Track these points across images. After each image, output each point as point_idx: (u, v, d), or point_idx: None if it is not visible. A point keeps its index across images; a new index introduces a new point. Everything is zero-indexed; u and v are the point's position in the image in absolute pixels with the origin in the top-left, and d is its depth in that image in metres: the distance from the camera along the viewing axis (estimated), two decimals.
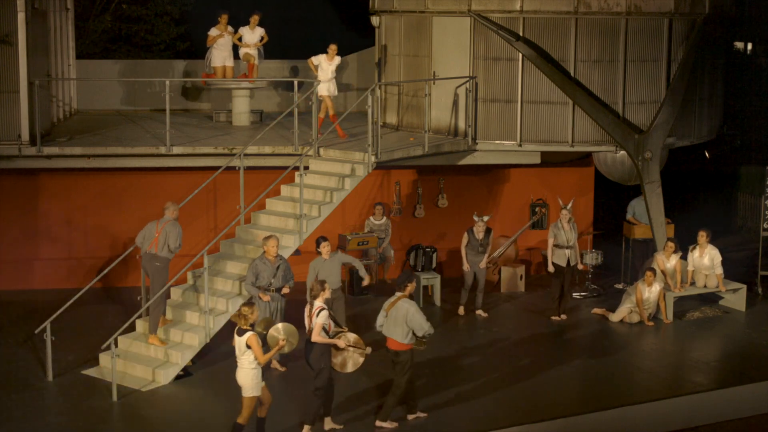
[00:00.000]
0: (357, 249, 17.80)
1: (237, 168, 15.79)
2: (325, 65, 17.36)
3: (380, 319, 12.67)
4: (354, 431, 12.66)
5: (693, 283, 17.30)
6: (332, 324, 12.50)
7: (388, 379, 13.20)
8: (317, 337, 12.27)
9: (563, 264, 16.85)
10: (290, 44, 21.84)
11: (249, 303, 12.01)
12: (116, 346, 13.77)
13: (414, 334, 12.47)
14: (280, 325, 12.10)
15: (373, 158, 15.59)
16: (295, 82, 17.56)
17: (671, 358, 15.23)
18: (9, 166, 16.54)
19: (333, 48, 17.37)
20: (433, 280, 17.79)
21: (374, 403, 13.24)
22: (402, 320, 12.41)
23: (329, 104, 17.42)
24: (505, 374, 14.29)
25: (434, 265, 18.36)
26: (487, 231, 16.94)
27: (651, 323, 16.55)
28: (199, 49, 26.58)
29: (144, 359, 14.17)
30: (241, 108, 19.16)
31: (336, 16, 27.43)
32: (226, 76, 19.03)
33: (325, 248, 14.65)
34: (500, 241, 18.91)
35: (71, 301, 14.09)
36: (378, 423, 12.67)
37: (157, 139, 17.06)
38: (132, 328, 14.50)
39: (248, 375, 11.80)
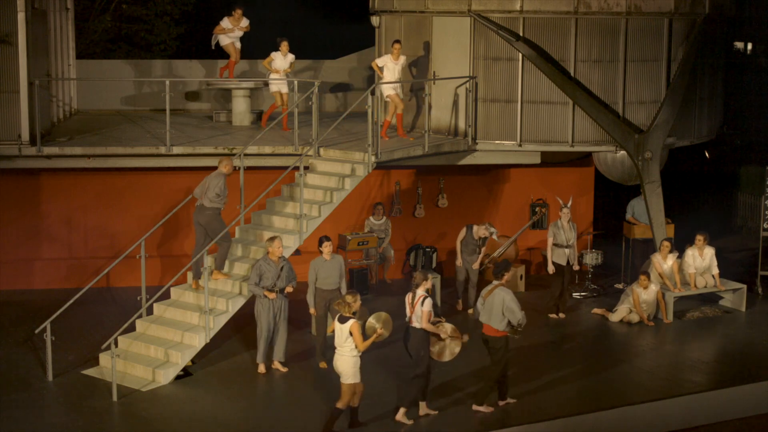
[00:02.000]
0: (357, 249, 17.81)
1: (237, 168, 15.80)
2: (391, 65, 16.84)
3: (478, 305, 13.19)
4: (450, 415, 13.05)
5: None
6: (433, 314, 12.88)
7: (483, 365, 13.73)
8: (427, 324, 12.70)
9: (563, 263, 16.89)
10: (290, 44, 21.80)
11: (352, 291, 12.39)
12: (116, 346, 13.77)
13: (509, 322, 12.94)
14: (376, 315, 12.56)
15: (373, 158, 15.58)
16: (295, 82, 17.55)
17: (671, 358, 15.23)
18: (9, 166, 16.53)
19: (397, 47, 16.82)
20: (433, 280, 17.78)
21: (469, 389, 13.68)
22: (498, 308, 12.90)
23: (398, 103, 16.85)
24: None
25: (434, 265, 18.36)
26: (485, 238, 17.02)
27: (651, 323, 16.55)
28: (199, 50, 26.64)
29: (144, 359, 14.17)
30: (241, 108, 19.16)
31: (336, 16, 27.45)
32: (236, 53, 18.85)
33: (326, 248, 14.58)
34: (500, 241, 18.91)
35: (71, 301, 14.08)
36: (474, 407, 13.16)
37: (157, 139, 17.06)
38: (132, 328, 14.50)
39: (349, 362, 12.22)
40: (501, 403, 13.31)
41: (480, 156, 17.55)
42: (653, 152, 17.15)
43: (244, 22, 18.86)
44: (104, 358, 14.29)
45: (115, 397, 13.35)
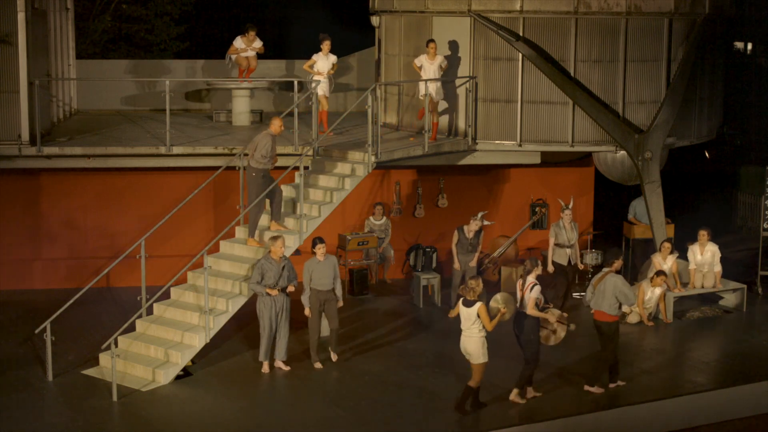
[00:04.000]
0: (357, 249, 17.81)
1: (237, 168, 15.80)
2: (427, 65, 16.73)
3: (588, 294, 13.91)
4: (558, 397, 13.69)
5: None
6: (543, 299, 13.41)
7: (593, 349, 14.47)
8: (532, 310, 13.21)
9: (564, 263, 16.91)
10: (290, 44, 21.80)
11: (475, 277, 13.06)
12: (116, 346, 13.77)
13: (620, 307, 13.79)
14: (498, 296, 13.17)
15: (373, 158, 15.58)
16: (295, 83, 17.54)
17: (671, 358, 15.23)
18: (9, 166, 16.54)
19: (432, 46, 16.67)
20: (433, 280, 17.79)
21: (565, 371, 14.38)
22: (610, 293, 13.64)
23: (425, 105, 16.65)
24: (505, 374, 14.27)
25: (434, 265, 18.37)
26: (478, 231, 16.98)
27: (651, 323, 16.55)
28: (199, 50, 26.65)
29: (144, 359, 14.16)
30: (241, 108, 19.16)
31: (336, 16, 27.46)
32: (249, 66, 18.62)
33: (320, 250, 14.57)
34: (500, 241, 18.91)
35: (71, 301, 14.08)
36: (586, 387, 13.85)
37: (157, 139, 17.07)
38: (132, 328, 14.50)
39: (477, 343, 12.86)
40: (611, 385, 13.91)
41: (480, 156, 17.55)
42: (653, 152, 17.15)
43: (258, 43, 18.49)
44: (104, 358, 14.29)
45: (115, 397, 13.35)
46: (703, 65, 18.02)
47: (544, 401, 13.49)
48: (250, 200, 15.01)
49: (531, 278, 13.34)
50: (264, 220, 15.34)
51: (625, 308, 16.77)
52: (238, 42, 18.60)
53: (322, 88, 17.14)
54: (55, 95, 18.56)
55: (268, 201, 15.23)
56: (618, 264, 13.95)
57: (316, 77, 17.19)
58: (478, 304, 12.79)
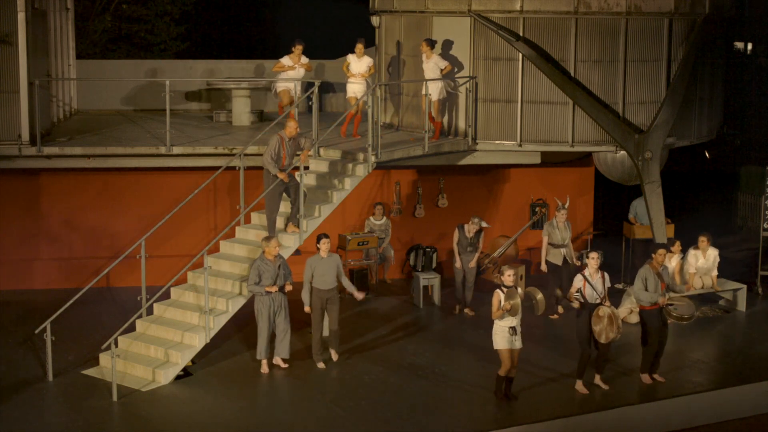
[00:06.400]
0: (357, 249, 17.81)
1: (237, 168, 15.80)
2: (424, 64, 16.75)
3: None
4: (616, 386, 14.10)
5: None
6: (586, 289, 13.71)
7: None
8: (570, 292, 13.93)
9: (559, 263, 16.92)
10: (288, 43, 21.81)
11: (510, 266, 13.44)
12: (116, 346, 13.78)
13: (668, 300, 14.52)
14: (515, 290, 13.26)
15: (373, 158, 15.59)
16: (297, 83, 17.55)
17: (671, 358, 15.21)
18: (9, 166, 16.54)
19: (422, 45, 16.62)
20: (433, 280, 17.79)
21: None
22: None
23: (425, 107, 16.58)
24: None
25: (434, 265, 18.37)
26: (478, 231, 16.96)
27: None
28: (199, 50, 26.63)
29: (144, 359, 14.17)
30: (241, 108, 19.16)
31: (336, 16, 27.48)
32: (292, 100, 17.68)
33: (324, 245, 14.55)
34: (500, 241, 18.91)
35: (71, 301, 14.08)
36: (641, 376, 14.38)
37: (157, 139, 17.07)
38: (132, 328, 14.50)
39: (494, 329, 13.30)
40: (643, 376, 14.34)
41: (480, 156, 17.55)
42: (653, 152, 17.14)
43: (304, 59, 17.76)
44: (104, 358, 14.29)
45: (115, 397, 13.35)
46: (703, 65, 18.02)
47: (545, 402, 13.49)
48: (293, 195, 14.98)
49: (587, 269, 13.79)
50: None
51: (623, 309, 16.81)
52: (286, 60, 17.68)
53: (352, 90, 17.27)
54: (55, 95, 18.57)
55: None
56: (655, 258, 14.21)
57: (351, 79, 17.29)
58: (495, 292, 13.17)
